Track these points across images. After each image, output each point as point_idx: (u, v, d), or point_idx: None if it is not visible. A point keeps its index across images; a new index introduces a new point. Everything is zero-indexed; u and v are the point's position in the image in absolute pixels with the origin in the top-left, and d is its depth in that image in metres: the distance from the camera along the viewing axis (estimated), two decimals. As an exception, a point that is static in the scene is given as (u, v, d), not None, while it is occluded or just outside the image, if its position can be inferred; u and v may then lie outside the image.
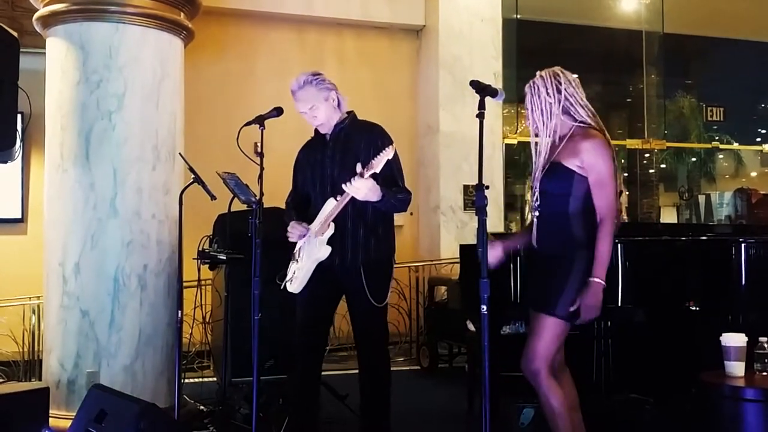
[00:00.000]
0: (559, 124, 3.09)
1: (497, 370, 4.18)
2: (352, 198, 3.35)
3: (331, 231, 3.46)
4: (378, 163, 3.25)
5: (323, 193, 3.55)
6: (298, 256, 3.56)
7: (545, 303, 3.08)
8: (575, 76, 3.15)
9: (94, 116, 4.38)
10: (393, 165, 3.42)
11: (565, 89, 3.08)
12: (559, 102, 3.08)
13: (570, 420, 3.07)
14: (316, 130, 3.72)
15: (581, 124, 3.09)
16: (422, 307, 7.13)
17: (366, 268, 3.48)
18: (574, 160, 3.04)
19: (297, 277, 3.53)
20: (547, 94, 3.09)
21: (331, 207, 3.46)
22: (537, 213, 3.17)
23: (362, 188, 3.27)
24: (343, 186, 3.31)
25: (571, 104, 3.08)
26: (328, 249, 3.45)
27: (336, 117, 3.62)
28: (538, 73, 3.15)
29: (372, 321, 3.56)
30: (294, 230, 3.55)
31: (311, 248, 3.51)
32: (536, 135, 3.15)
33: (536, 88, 3.13)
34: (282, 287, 3.62)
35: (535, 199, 3.18)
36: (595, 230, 3.00)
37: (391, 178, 3.48)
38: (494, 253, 3.17)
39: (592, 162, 3.02)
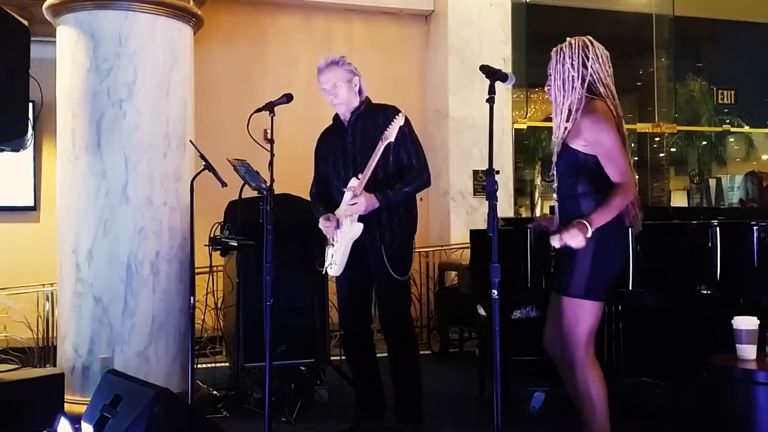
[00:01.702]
0: (576, 100, 3.03)
1: (508, 354, 4.19)
2: (376, 176, 3.53)
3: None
4: (391, 132, 3.47)
5: (347, 177, 3.68)
6: (334, 240, 3.67)
7: (559, 283, 3.07)
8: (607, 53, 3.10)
9: (105, 104, 4.40)
10: (405, 143, 3.59)
11: (591, 65, 3.02)
12: (583, 78, 3.01)
13: (606, 411, 3.01)
14: (335, 117, 3.85)
15: (591, 96, 3.03)
16: (433, 293, 7.14)
17: (387, 248, 3.62)
18: (578, 140, 3.01)
19: (336, 261, 3.65)
20: (572, 66, 3.02)
21: (354, 185, 3.58)
22: (555, 195, 3.16)
23: (360, 206, 3.50)
24: (346, 209, 3.56)
25: (594, 81, 3.03)
26: (361, 226, 3.57)
27: (355, 102, 3.75)
28: (567, 39, 3.09)
29: (394, 293, 3.70)
30: (327, 229, 3.68)
31: (344, 230, 3.62)
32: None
33: (561, 56, 3.06)
34: (324, 272, 3.75)
35: (553, 180, 3.17)
36: None
37: (401, 160, 3.64)
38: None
39: (595, 138, 2.96)
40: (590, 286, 2.98)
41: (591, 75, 3.02)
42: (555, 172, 3.15)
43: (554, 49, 3.12)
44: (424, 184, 3.70)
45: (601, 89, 3.04)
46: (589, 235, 2.83)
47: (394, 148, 3.59)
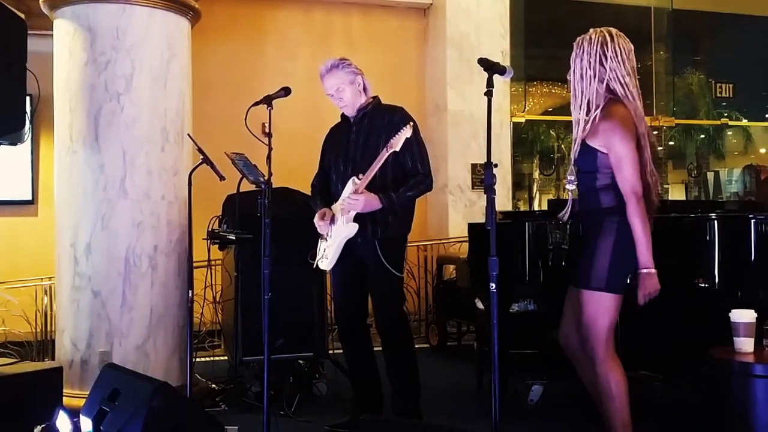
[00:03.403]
0: (595, 96, 3.03)
1: (506, 347, 4.20)
2: (374, 179, 3.55)
3: (354, 213, 3.60)
4: (397, 142, 3.47)
5: (345, 174, 3.72)
6: (327, 235, 3.71)
7: (579, 277, 3.06)
8: (630, 47, 3.06)
9: (103, 98, 4.39)
10: (411, 148, 3.59)
11: (609, 63, 2.99)
12: (601, 77, 3.00)
13: (627, 405, 3.02)
14: (343, 115, 3.89)
15: (611, 97, 3.03)
16: (431, 286, 7.15)
17: (381, 242, 3.65)
18: (595, 140, 3.02)
19: (327, 256, 3.70)
20: (589, 64, 3.01)
21: (353, 186, 3.60)
22: (572, 187, 3.15)
23: (359, 203, 3.53)
24: (345, 202, 3.58)
25: (611, 79, 3.01)
26: (356, 226, 3.60)
27: (361, 101, 3.79)
28: (591, 30, 3.05)
29: (388, 289, 3.73)
30: (321, 226, 3.72)
31: (338, 227, 3.66)
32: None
33: (581, 50, 3.04)
34: (315, 266, 3.79)
35: (569, 172, 3.16)
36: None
37: (406, 165, 3.67)
38: None
39: (609, 144, 2.97)
40: (611, 279, 2.98)
41: (608, 74, 3.00)
42: (573, 168, 3.16)
43: (576, 40, 3.08)
44: (427, 188, 3.75)
45: (619, 89, 3.01)
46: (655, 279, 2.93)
47: (398, 152, 3.59)
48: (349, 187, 3.62)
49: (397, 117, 3.70)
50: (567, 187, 3.19)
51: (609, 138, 2.98)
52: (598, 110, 3.03)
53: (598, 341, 3.01)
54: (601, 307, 3.00)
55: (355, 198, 3.55)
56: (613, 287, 2.99)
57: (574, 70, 3.09)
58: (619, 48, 3.03)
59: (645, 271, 2.92)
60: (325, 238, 3.73)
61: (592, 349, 3.03)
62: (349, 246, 3.65)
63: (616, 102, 3.03)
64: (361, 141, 3.74)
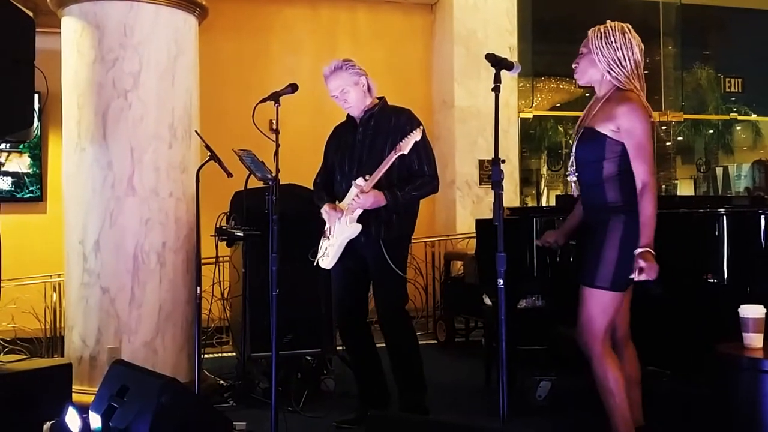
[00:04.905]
0: (600, 83, 3.03)
1: (514, 343, 4.19)
2: (379, 180, 3.55)
3: (359, 211, 3.61)
4: (406, 145, 3.48)
5: (350, 175, 3.71)
6: (330, 234, 3.71)
7: (584, 275, 3.03)
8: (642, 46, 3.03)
9: (110, 95, 4.40)
10: (418, 149, 3.59)
11: (623, 53, 2.96)
12: (611, 64, 2.97)
13: (627, 399, 3.00)
14: (348, 114, 3.87)
15: (619, 86, 2.99)
16: (439, 282, 7.14)
17: (386, 243, 3.65)
18: (608, 124, 2.95)
19: (329, 254, 3.71)
20: (602, 53, 2.97)
21: (361, 184, 3.59)
22: (573, 178, 3.12)
23: (366, 201, 3.54)
24: (351, 203, 3.59)
25: (624, 67, 2.97)
26: (359, 227, 3.61)
27: (366, 101, 3.78)
28: (609, 23, 3.02)
29: (391, 288, 3.73)
30: (330, 215, 3.71)
31: (342, 227, 3.66)
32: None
33: (598, 35, 3.00)
34: (315, 264, 3.80)
35: (570, 164, 3.13)
36: (633, 194, 2.90)
37: (412, 166, 3.66)
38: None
39: (629, 126, 2.91)
40: (616, 278, 2.96)
41: (625, 60, 2.97)
42: (574, 159, 3.11)
43: (594, 29, 3.04)
44: (433, 190, 3.75)
45: (631, 78, 2.98)
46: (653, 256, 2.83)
47: (405, 154, 3.57)
48: (355, 188, 3.62)
49: (404, 119, 3.70)
50: (570, 178, 3.17)
51: (630, 119, 2.91)
52: (608, 95, 3.00)
53: (595, 338, 3.00)
54: (602, 306, 2.99)
55: (361, 198, 3.55)
56: (617, 286, 2.97)
57: (587, 53, 3.04)
58: (636, 43, 3.00)
59: (641, 250, 2.83)
60: (327, 237, 3.73)
61: (587, 345, 3.02)
62: (352, 245, 3.66)
63: (629, 91, 2.99)
64: (368, 141, 3.73)
